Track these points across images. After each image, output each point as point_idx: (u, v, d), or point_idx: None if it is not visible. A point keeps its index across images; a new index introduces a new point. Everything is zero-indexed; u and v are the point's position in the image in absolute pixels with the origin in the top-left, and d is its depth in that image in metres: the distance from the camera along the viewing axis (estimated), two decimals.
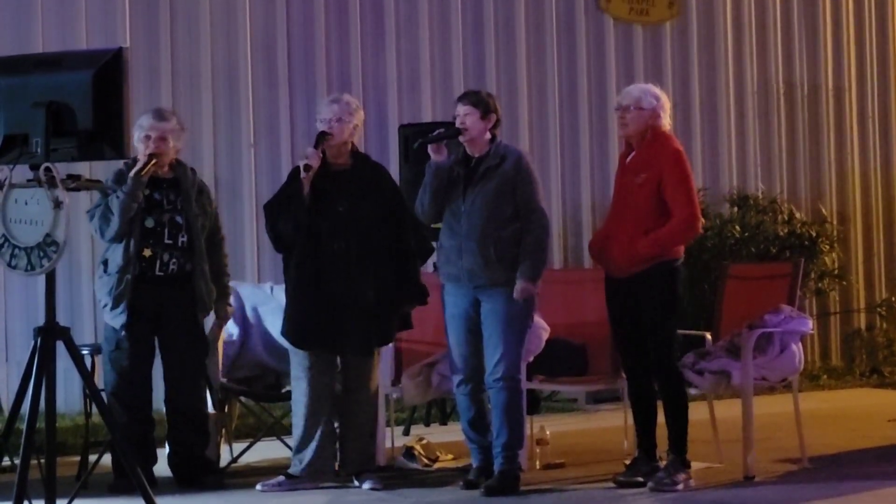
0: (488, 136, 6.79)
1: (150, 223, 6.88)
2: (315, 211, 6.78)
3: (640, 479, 6.76)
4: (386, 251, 6.81)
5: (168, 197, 6.96)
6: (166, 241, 6.90)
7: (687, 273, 6.84)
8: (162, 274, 6.89)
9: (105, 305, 6.91)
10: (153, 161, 6.76)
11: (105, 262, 6.92)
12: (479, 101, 6.79)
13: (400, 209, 6.87)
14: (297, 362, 6.86)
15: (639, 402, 6.88)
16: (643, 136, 6.77)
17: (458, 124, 6.76)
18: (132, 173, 6.72)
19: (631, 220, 6.71)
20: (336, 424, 7.01)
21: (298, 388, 6.86)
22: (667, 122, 6.84)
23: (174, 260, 6.91)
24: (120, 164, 6.79)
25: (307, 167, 6.74)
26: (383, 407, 7.26)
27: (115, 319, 6.86)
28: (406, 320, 6.98)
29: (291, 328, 6.85)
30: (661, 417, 6.85)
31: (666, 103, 6.84)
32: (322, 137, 6.82)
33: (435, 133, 6.86)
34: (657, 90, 6.86)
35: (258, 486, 6.84)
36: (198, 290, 6.94)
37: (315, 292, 6.76)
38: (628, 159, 6.83)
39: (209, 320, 7.18)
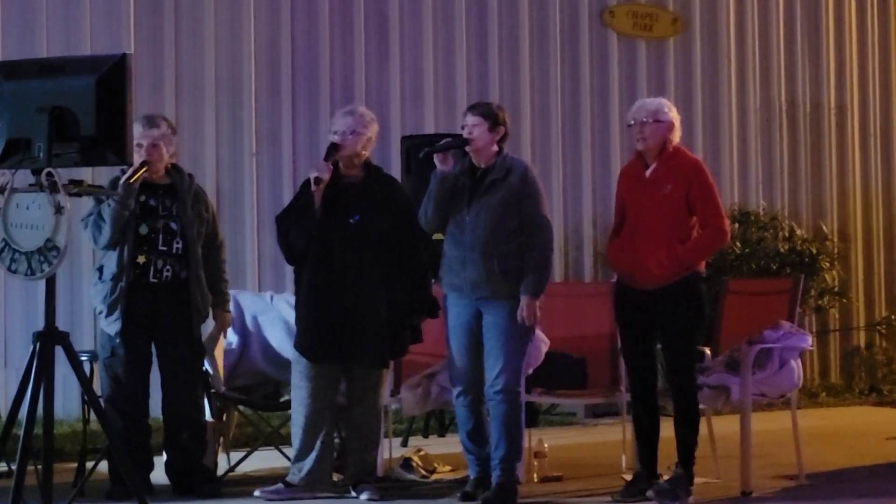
0: (495, 148, 6.79)
1: (144, 230, 6.86)
2: (327, 223, 6.78)
3: (639, 496, 6.75)
4: (398, 263, 6.81)
5: (164, 203, 6.95)
6: (160, 248, 6.88)
7: None
8: (156, 281, 6.87)
9: (100, 312, 6.89)
10: (144, 168, 6.74)
11: (100, 269, 6.91)
12: (489, 112, 6.79)
13: (412, 221, 6.86)
14: (300, 371, 6.85)
15: (642, 417, 6.86)
16: (661, 148, 6.79)
17: (465, 134, 6.77)
18: (122, 180, 6.70)
19: (662, 231, 6.70)
20: (336, 435, 7.03)
21: (298, 396, 6.85)
22: (678, 135, 6.88)
23: (168, 267, 6.89)
24: (115, 171, 6.78)
25: (318, 180, 6.74)
26: (382, 417, 7.25)
27: (110, 326, 6.85)
28: (416, 333, 6.99)
29: (304, 341, 6.84)
30: (663, 433, 6.84)
31: (677, 116, 6.88)
32: (333, 149, 6.83)
33: (442, 142, 6.88)
34: (669, 103, 6.90)
35: (256, 492, 6.84)
36: (193, 297, 6.93)
37: (327, 305, 6.76)
38: (648, 173, 6.82)
39: (207, 327, 7.16)
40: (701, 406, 7.12)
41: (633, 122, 6.85)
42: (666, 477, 6.77)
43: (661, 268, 6.68)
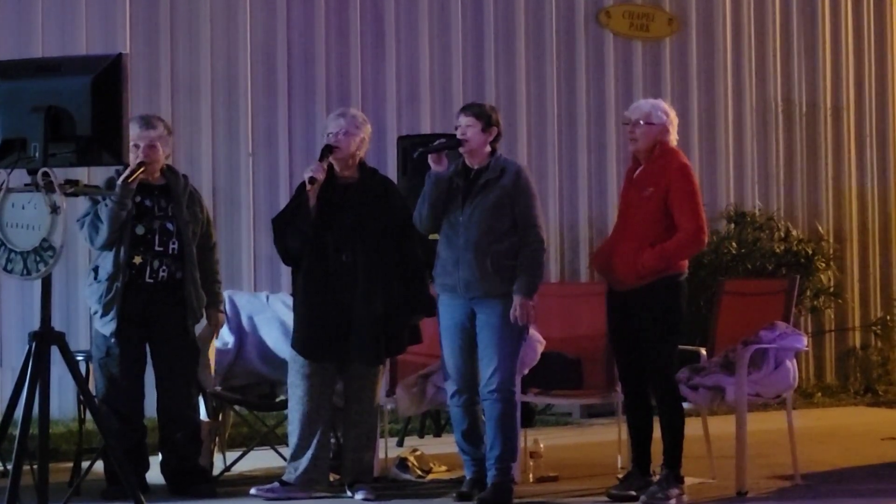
0: (488, 148, 6.81)
1: (140, 230, 6.87)
2: (323, 223, 6.81)
3: (633, 493, 6.76)
4: (394, 263, 6.83)
5: (159, 203, 6.96)
6: (156, 249, 6.89)
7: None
8: (152, 281, 6.88)
9: (95, 313, 6.91)
10: (141, 168, 6.76)
11: (95, 270, 6.92)
12: (482, 113, 6.81)
13: (408, 221, 6.89)
14: (296, 370, 6.87)
15: (635, 416, 6.88)
16: (651, 151, 6.79)
17: (459, 135, 6.78)
18: (120, 180, 6.70)
19: (636, 233, 6.72)
20: (333, 435, 7.03)
21: (295, 395, 6.86)
22: (674, 137, 6.87)
23: (164, 267, 6.90)
24: (111, 171, 6.78)
25: (312, 180, 6.77)
26: (378, 417, 7.26)
27: (105, 327, 6.86)
28: (415, 334, 7.00)
29: (301, 339, 6.86)
30: (656, 432, 6.85)
31: (674, 119, 6.87)
32: (327, 150, 6.86)
33: (436, 143, 6.90)
34: (666, 105, 6.89)
35: (252, 490, 6.86)
36: (188, 298, 6.93)
37: (324, 304, 6.79)
38: (636, 174, 6.84)
39: (201, 327, 7.17)
40: (696, 406, 7.14)
41: (627, 122, 6.88)
42: (657, 477, 6.77)
43: (628, 270, 6.68)
